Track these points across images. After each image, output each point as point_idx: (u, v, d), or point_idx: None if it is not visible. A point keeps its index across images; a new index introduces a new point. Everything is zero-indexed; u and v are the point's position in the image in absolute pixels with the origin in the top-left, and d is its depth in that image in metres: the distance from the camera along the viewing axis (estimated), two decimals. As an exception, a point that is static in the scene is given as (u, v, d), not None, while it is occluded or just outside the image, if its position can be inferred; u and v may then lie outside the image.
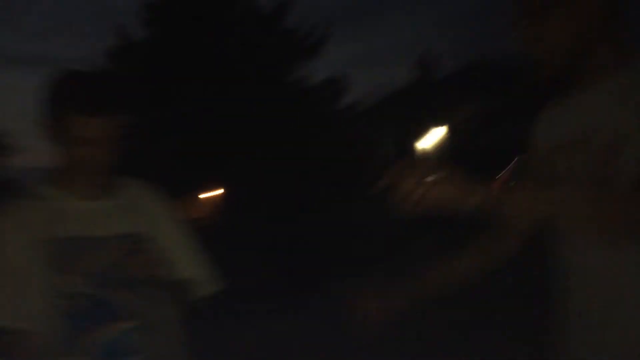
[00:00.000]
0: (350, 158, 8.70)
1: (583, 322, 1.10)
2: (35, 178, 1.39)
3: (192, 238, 1.51)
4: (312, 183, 8.07)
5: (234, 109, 7.88)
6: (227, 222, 1.46)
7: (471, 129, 12.05)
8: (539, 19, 1.02)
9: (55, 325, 1.26)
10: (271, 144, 7.92)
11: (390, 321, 1.35)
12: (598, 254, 1.04)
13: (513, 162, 6.20)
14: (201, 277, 1.48)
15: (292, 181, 7.84)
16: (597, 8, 1.01)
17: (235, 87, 7.98)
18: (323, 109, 9.11)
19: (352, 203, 7.97)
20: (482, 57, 14.40)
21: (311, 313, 5.29)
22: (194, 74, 7.94)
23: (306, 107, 8.67)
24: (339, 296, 1.52)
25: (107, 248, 1.32)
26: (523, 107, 5.27)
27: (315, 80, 9.20)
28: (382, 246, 7.53)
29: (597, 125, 1.02)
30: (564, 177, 1.08)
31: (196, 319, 1.55)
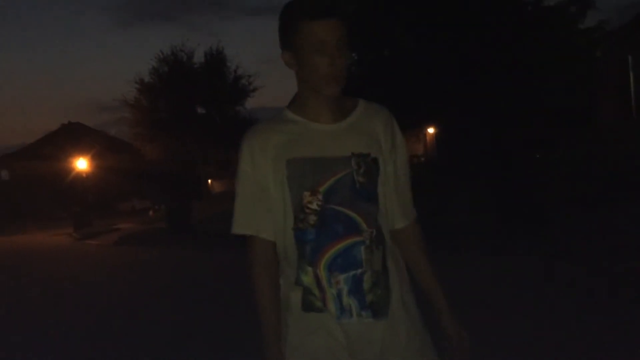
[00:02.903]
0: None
1: None
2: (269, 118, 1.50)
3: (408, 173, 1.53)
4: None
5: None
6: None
7: None
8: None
9: (290, 238, 1.40)
10: (504, 74, 7.89)
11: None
12: None
13: None
14: (406, 212, 1.51)
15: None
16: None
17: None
18: (565, 29, 8.84)
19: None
20: None
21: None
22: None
23: (545, 28, 8.42)
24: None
25: (339, 167, 1.39)
26: None
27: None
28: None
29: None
30: None
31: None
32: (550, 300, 4.51)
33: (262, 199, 1.43)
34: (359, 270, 1.37)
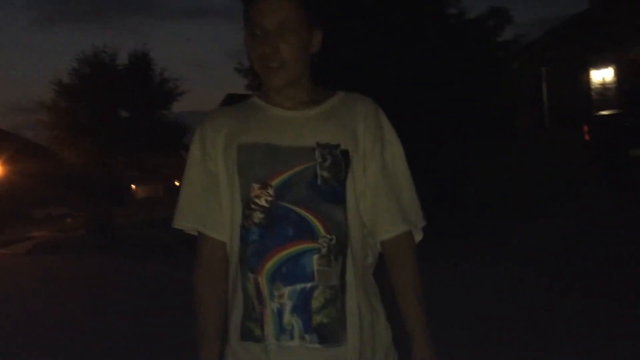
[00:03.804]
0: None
1: None
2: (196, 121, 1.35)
3: (405, 173, 1.29)
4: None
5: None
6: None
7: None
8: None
9: (237, 237, 1.21)
10: (429, 80, 8.05)
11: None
12: None
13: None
14: (394, 221, 1.25)
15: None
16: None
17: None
18: (484, 42, 9.05)
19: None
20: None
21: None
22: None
23: (467, 40, 8.64)
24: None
25: (298, 158, 1.19)
26: None
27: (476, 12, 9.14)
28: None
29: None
30: None
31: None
32: (481, 303, 4.66)
33: (211, 190, 1.24)
34: (309, 285, 1.14)
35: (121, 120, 26.91)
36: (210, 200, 1.24)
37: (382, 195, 1.23)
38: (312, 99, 1.26)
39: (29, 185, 34.54)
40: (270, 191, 1.17)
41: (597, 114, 13.50)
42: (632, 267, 5.28)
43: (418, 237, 1.29)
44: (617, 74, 15.85)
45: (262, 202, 1.17)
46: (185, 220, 1.26)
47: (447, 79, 8.28)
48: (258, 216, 1.17)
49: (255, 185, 1.18)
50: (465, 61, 8.49)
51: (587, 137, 11.93)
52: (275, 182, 1.17)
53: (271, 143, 1.19)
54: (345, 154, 1.20)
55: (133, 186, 34.10)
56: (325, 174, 1.18)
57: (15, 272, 11.19)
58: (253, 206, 1.17)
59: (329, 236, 1.16)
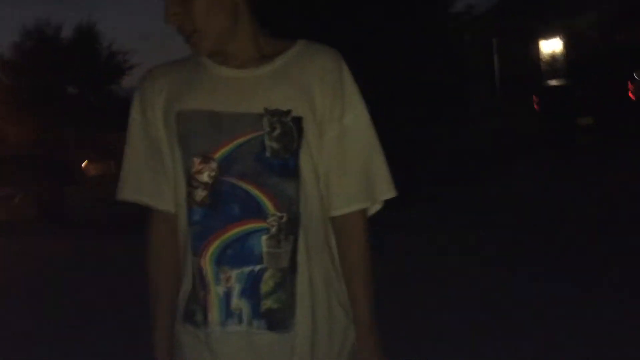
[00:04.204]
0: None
1: None
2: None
3: (370, 137, 1.13)
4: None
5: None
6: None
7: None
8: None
9: (183, 216, 1.08)
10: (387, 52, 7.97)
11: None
12: None
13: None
14: (347, 197, 1.11)
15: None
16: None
17: None
18: (436, 14, 8.95)
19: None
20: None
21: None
22: None
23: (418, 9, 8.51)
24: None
25: (244, 127, 1.04)
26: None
27: None
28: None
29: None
30: None
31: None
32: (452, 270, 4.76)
33: (156, 159, 1.11)
34: (257, 267, 1.04)
35: (69, 96, 26.10)
36: (157, 169, 1.11)
37: (335, 167, 1.09)
38: (265, 53, 1.09)
39: (-29, 166, 33.24)
40: (213, 165, 1.04)
41: (547, 84, 13.88)
42: (578, 223, 5.60)
43: (376, 207, 1.16)
44: (566, 45, 16.27)
45: (205, 178, 1.04)
46: (130, 192, 1.14)
47: (398, 46, 8.32)
48: (200, 194, 1.04)
49: (197, 160, 1.04)
50: (416, 30, 8.54)
51: (536, 107, 12.28)
52: (218, 155, 1.04)
53: (213, 110, 1.04)
54: (298, 121, 1.05)
55: (84, 163, 33.19)
56: (274, 144, 1.03)
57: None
58: (194, 183, 1.05)
59: (278, 214, 1.04)
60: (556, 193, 7.34)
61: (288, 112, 1.04)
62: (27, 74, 24.61)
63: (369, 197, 1.12)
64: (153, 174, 1.12)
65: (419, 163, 8.38)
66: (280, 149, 1.04)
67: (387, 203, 1.18)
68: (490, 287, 4.18)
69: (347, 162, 1.10)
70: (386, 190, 1.13)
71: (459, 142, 10.19)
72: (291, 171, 1.05)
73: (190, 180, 1.06)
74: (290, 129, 1.05)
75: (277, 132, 1.04)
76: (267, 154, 1.04)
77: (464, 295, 4.09)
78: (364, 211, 1.13)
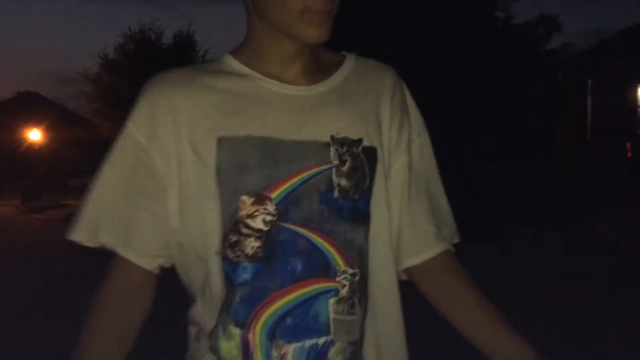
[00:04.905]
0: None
1: None
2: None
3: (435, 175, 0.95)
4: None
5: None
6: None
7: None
8: None
9: (216, 268, 0.81)
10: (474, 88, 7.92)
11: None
12: None
13: None
14: (428, 238, 0.91)
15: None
16: None
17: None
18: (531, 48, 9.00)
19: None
20: None
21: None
22: None
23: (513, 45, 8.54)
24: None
25: (307, 159, 0.81)
26: None
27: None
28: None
29: None
30: None
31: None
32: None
33: (146, 191, 0.84)
34: (322, 340, 0.80)
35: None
36: (140, 206, 0.84)
37: (410, 205, 0.90)
38: (317, 65, 0.87)
39: (67, 154, 35.41)
40: (271, 207, 0.80)
41: (642, 131, 13.19)
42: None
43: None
44: (666, 92, 15.39)
45: (259, 224, 0.79)
46: (88, 232, 0.85)
47: (484, 80, 8.19)
48: (252, 244, 0.79)
49: (246, 199, 0.80)
50: (510, 67, 8.38)
51: (629, 154, 11.68)
52: (275, 194, 0.80)
53: (270, 137, 0.81)
54: (370, 152, 0.84)
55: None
56: (343, 182, 0.82)
57: (50, 238, 11.51)
58: (244, 230, 0.79)
59: (350, 270, 0.82)
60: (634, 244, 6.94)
61: (359, 140, 0.84)
62: (126, 73, 26.08)
63: (443, 238, 0.93)
64: (134, 209, 0.85)
65: (496, 201, 8.17)
66: (350, 187, 0.82)
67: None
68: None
69: (422, 197, 0.92)
70: (454, 231, 0.96)
71: (541, 183, 9.84)
72: (361, 215, 0.84)
73: (238, 225, 0.80)
74: (362, 163, 0.84)
75: (347, 166, 0.82)
76: (335, 193, 0.82)
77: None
78: (449, 251, 0.95)
